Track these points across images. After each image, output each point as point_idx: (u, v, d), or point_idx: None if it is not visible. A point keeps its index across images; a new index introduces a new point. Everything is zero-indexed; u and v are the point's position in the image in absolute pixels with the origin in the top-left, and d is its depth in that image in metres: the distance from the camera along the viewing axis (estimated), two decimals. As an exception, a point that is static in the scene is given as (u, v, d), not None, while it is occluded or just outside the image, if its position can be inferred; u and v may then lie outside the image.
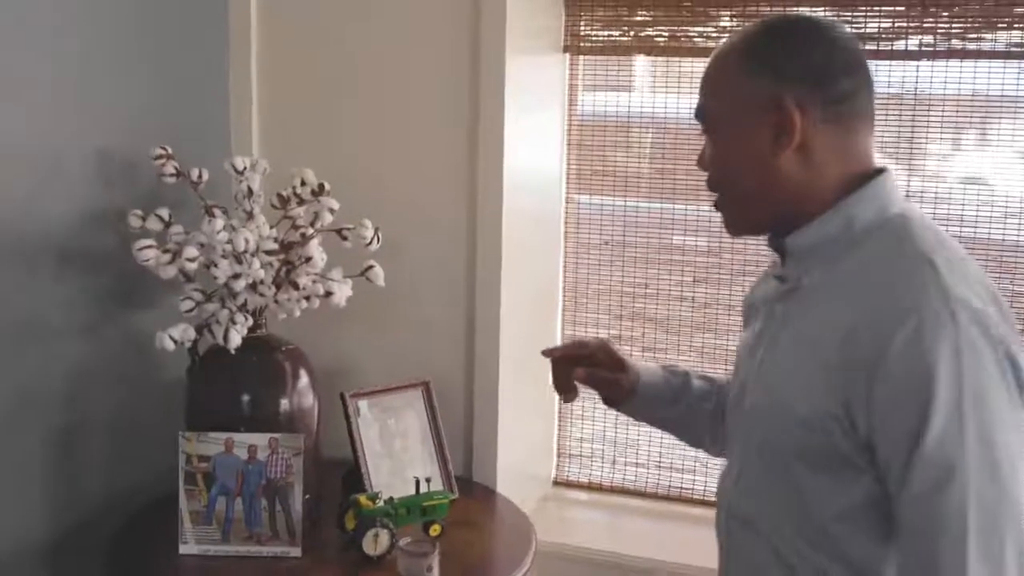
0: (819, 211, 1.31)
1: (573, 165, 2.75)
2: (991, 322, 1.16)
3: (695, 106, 1.41)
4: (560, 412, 2.87)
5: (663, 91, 2.68)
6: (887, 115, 2.46)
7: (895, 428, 1.16)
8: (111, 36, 2.23)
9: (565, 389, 1.67)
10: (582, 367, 1.62)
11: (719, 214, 1.44)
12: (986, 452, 1.13)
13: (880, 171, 1.33)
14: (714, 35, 2.54)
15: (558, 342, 2.80)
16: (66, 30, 2.12)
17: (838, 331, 1.22)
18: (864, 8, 2.42)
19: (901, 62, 2.45)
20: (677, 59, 2.63)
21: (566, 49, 2.67)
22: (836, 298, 1.26)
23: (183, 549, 2.08)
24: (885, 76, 2.47)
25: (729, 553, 1.43)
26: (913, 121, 2.46)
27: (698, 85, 1.42)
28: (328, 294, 2.16)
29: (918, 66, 2.44)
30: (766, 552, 1.34)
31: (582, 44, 2.66)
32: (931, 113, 2.44)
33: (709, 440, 1.67)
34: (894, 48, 2.44)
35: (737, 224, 1.42)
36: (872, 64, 2.29)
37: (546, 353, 1.69)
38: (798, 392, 1.27)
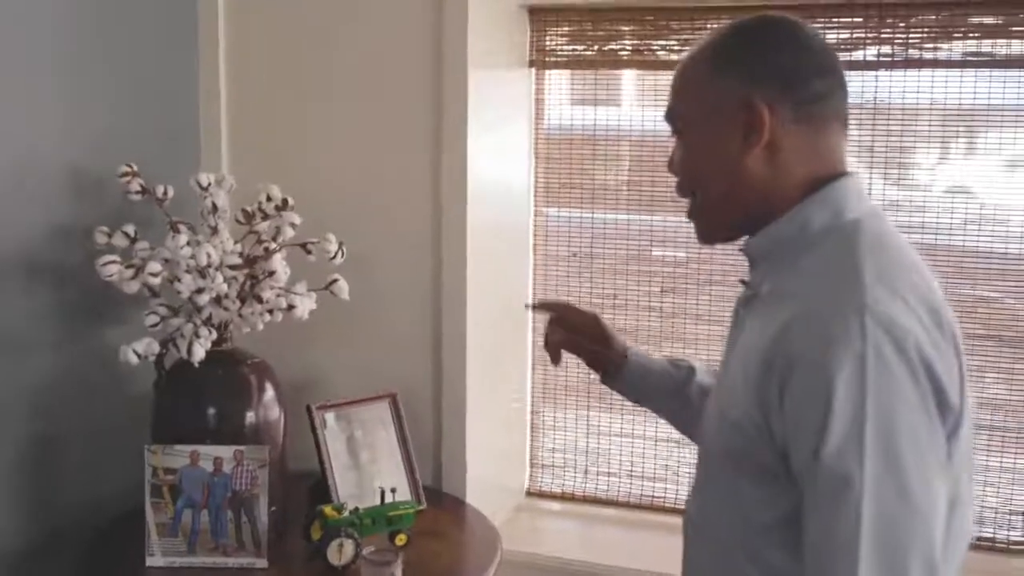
0: (783, 213, 1.30)
1: (541, 178, 2.78)
2: (911, 339, 1.13)
3: (665, 108, 1.40)
4: (532, 423, 2.89)
5: (629, 104, 2.72)
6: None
7: (801, 438, 1.15)
8: (79, 52, 2.26)
9: (553, 351, 1.71)
10: (568, 334, 1.68)
11: (690, 225, 1.42)
12: (890, 467, 1.11)
13: (841, 175, 1.31)
14: (676, 48, 2.57)
15: (529, 353, 2.83)
16: (33, 46, 2.15)
17: (767, 338, 1.21)
18: (822, 19, 2.46)
19: (859, 72, 2.48)
20: (642, 72, 2.68)
21: (532, 64, 2.70)
22: (776, 305, 1.25)
23: (150, 561, 2.10)
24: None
25: (686, 557, 1.43)
26: (873, 130, 2.49)
27: (664, 98, 1.42)
28: (291, 307, 2.18)
29: (876, 76, 2.47)
30: (710, 558, 1.35)
31: (548, 59, 2.69)
32: (890, 122, 2.47)
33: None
34: (852, 58, 2.47)
35: (709, 230, 1.41)
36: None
37: (530, 306, 1.82)
38: (734, 398, 1.27)
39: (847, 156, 1.34)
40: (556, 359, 1.71)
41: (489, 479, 2.65)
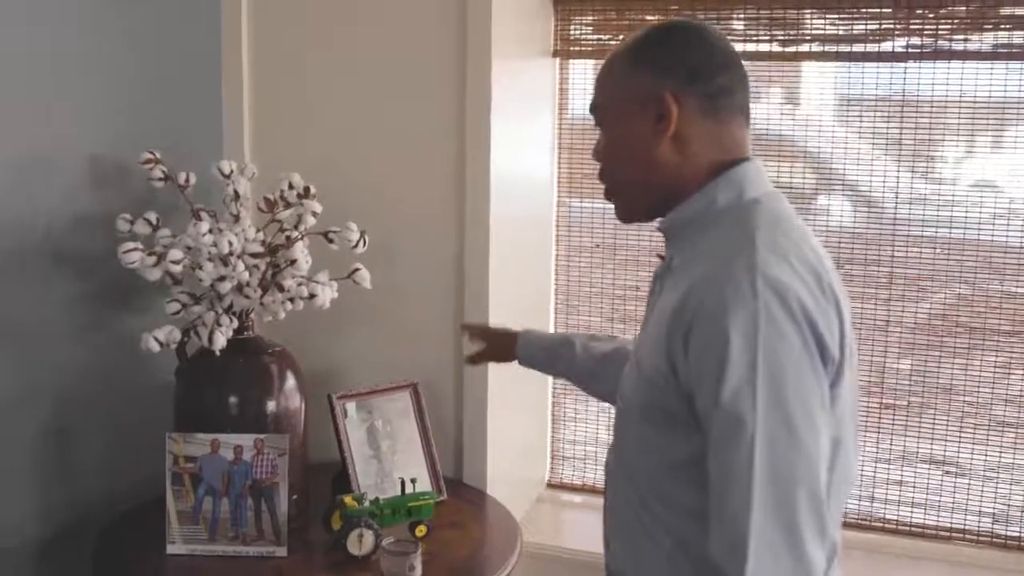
0: (689, 195, 1.43)
1: (564, 168, 2.76)
2: (793, 298, 1.26)
3: (590, 103, 1.53)
4: (553, 415, 2.88)
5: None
6: (875, 117, 2.47)
7: (702, 384, 1.28)
8: (102, 40, 2.26)
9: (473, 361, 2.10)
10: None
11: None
12: (779, 410, 1.24)
13: (743, 160, 1.44)
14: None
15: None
16: (56, 34, 2.15)
17: (675, 300, 1.34)
18: (851, 10, 2.43)
19: (888, 64, 2.45)
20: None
21: (556, 53, 2.68)
22: (685, 274, 1.38)
23: (170, 549, 2.10)
24: (872, 78, 2.48)
25: (606, 503, 1.56)
26: (901, 123, 2.46)
27: None
28: (312, 296, 2.18)
29: (905, 67, 2.44)
30: (625, 501, 1.48)
31: (572, 48, 2.67)
32: (919, 115, 2.44)
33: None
34: (880, 50, 2.44)
35: (625, 210, 1.54)
36: (860, 66, 2.32)
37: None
38: (646, 355, 1.40)
39: (749, 145, 1.47)
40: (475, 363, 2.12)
41: (510, 470, 2.64)
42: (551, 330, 2.81)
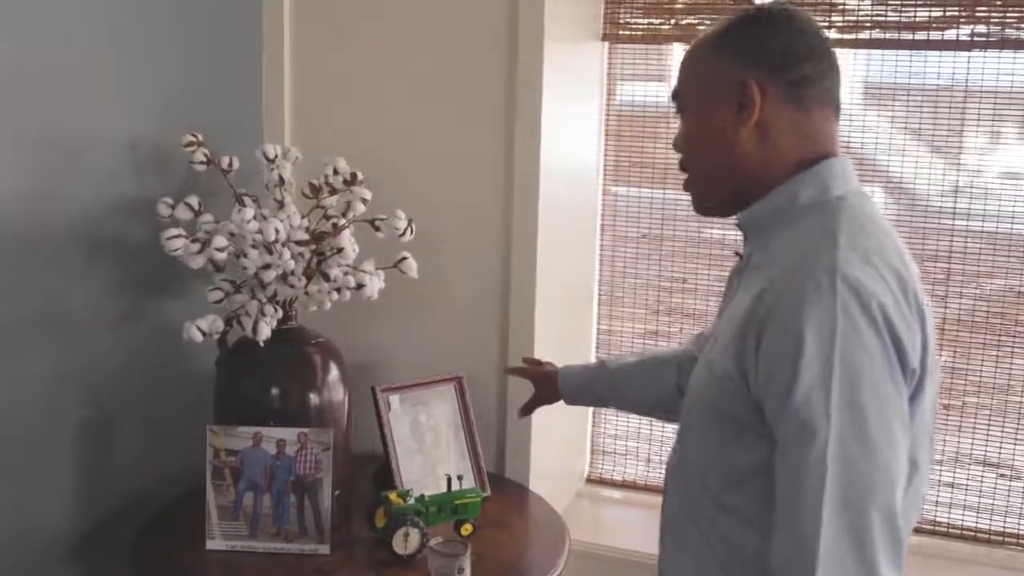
0: (771, 189, 1.38)
1: (611, 156, 2.69)
2: (875, 301, 1.20)
3: (673, 89, 1.49)
4: (594, 409, 2.81)
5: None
6: (936, 108, 2.39)
7: (773, 386, 1.22)
8: (141, 22, 2.19)
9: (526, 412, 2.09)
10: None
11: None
12: (855, 417, 1.18)
13: (830, 156, 1.39)
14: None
15: (594, 337, 2.75)
16: (96, 16, 2.08)
17: (750, 299, 1.29)
18: (913, -4, 2.35)
19: (951, 52, 2.37)
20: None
21: (605, 37, 2.60)
22: (761, 271, 1.34)
23: (210, 544, 2.05)
24: (935, 68, 2.40)
25: (664, 501, 1.51)
26: (963, 114, 2.38)
27: None
28: (360, 286, 2.11)
29: (969, 56, 2.36)
30: (680, 501, 1.44)
31: (621, 32, 2.59)
32: (981, 105, 2.36)
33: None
34: (944, 38, 2.36)
35: (703, 202, 1.49)
36: (922, 55, 2.23)
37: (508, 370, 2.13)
38: (719, 356, 1.34)
39: (837, 140, 1.41)
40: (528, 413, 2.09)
41: (550, 466, 2.58)
42: (594, 321, 2.74)
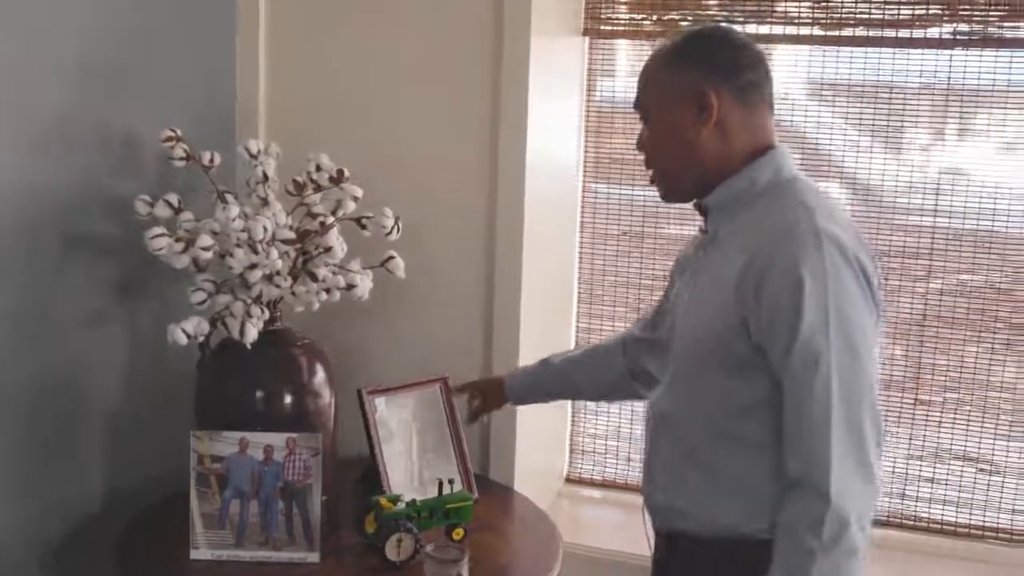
0: (730, 176, 1.64)
1: (591, 152, 2.66)
2: (847, 247, 1.52)
3: (634, 99, 1.73)
4: (573, 408, 2.78)
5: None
6: (919, 106, 2.39)
7: (778, 328, 1.50)
8: (109, 11, 2.10)
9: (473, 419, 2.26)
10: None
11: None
12: (846, 339, 1.49)
13: (775, 146, 1.66)
14: (740, 19, 2.46)
15: (573, 336, 2.72)
16: (65, 7, 2.00)
17: (738, 261, 1.56)
18: (897, -6, 2.34)
19: (933, 51, 2.37)
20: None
21: (586, 32, 2.57)
22: (738, 240, 1.61)
23: (194, 554, 1.98)
24: (917, 66, 2.40)
25: (652, 446, 1.75)
26: (945, 112, 2.39)
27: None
28: (350, 287, 2.05)
29: (952, 55, 2.36)
30: (679, 444, 1.68)
31: (602, 27, 2.56)
32: (963, 104, 2.37)
33: (639, 385, 2.01)
34: (927, 35, 2.36)
35: (672, 193, 1.75)
36: (904, 53, 2.22)
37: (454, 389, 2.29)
38: (711, 312, 1.61)
39: (774, 131, 1.68)
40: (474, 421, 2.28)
41: (532, 465, 2.54)
42: (573, 320, 2.71)
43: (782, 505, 1.53)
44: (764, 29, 2.45)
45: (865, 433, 1.50)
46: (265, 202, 2.07)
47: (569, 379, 2.11)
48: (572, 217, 2.67)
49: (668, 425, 1.71)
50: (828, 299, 1.48)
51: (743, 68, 1.64)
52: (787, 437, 1.53)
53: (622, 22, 2.55)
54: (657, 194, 1.76)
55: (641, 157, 1.75)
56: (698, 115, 1.62)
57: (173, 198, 2.04)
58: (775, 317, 1.51)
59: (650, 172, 1.75)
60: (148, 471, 2.21)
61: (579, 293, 2.72)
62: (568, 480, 2.82)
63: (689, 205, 1.75)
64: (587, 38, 2.59)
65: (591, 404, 2.76)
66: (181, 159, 2.06)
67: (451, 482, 2.12)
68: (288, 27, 2.45)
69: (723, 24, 1.79)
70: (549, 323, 2.59)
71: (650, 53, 1.73)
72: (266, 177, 2.07)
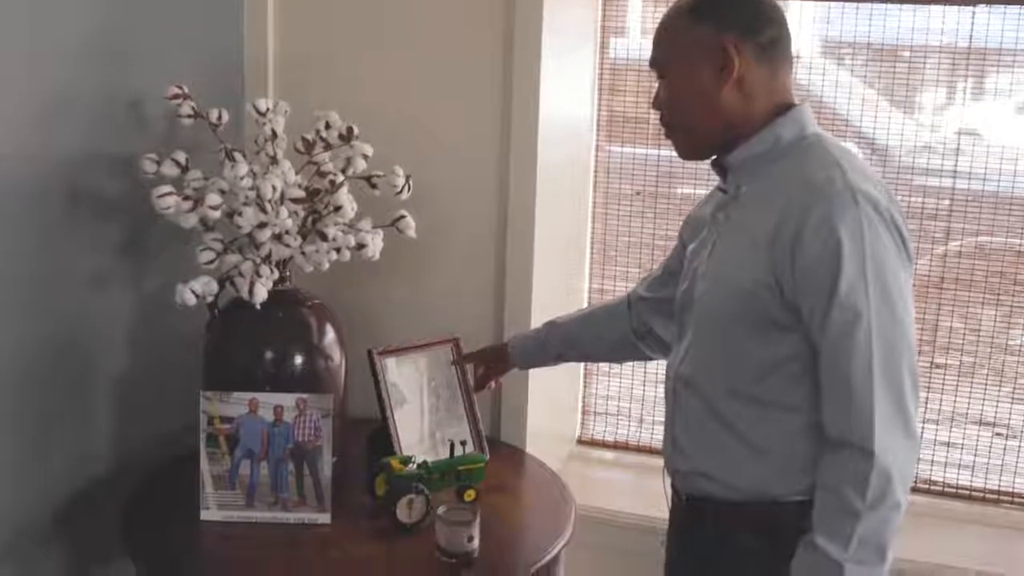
0: (751, 134, 1.62)
1: (604, 112, 2.62)
2: (881, 204, 1.51)
3: (650, 57, 1.69)
4: (586, 369, 2.76)
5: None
6: (939, 66, 2.35)
7: (815, 286, 1.49)
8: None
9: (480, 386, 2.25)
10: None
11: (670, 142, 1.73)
12: (885, 296, 1.48)
13: (797, 104, 1.65)
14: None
15: (586, 296, 2.69)
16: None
17: (771, 219, 1.54)
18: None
19: (955, 7, 2.32)
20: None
21: (599, -11, 2.53)
22: (767, 197, 1.58)
23: (204, 515, 1.97)
24: (939, 24, 2.35)
25: (674, 411, 1.73)
26: (967, 71, 2.34)
27: None
28: (361, 246, 2.03)
29: (974, 12, 2.31)
30: (703, 405, 1.66)
31: (617, -17, 2.52)
32: (985, 63, 2.32)
33: (644, 346, 2.02)
34: (951, -8, 2.31)
35: (690, 149, 1.72)
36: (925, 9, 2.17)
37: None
38: (739, 270, 1.59)
39: (793, 88, 1.67)
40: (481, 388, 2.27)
41: (544, 427, 2.52)
42: (586, 280, 2.69)
43: (823, 465, 1.53)
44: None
45: (905, 390, 1.49)
46: (274, 160, 2.04)
47: (574, 340, 2.10)
48: (585, 177, 2.63)
49: (692, 389, 1.68)
50: (866, 257, 1.47)
51: (764, 25, 1.61)
52: (826, 397, 1.52)
53: (637, -22, 2.50)
54: (674, 153, 1.72)
55: (656, 116, 1.71)
56: (719, 72, 1.59)
57: (180, 156, 2.02)
58: (813, 276, 1.49)
59: (666, 130, 1.71)
60: (157, 432, 2.20)
61: (592, 253, 2.69)
62: (580, 442, 2.80)
63: (702, 165, 1.76)
64: (601, -5, 2.55)
65: (603, 366, 2.73)
66: (188, 116, 2.03)
67: (463, 443, 2.10)
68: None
69: None
70: (562, 283, 2.56)
71: (667, 8, 1.69)
72: (275, 135, 2.05)
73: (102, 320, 2.12)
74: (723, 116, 1.62)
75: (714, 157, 1.69)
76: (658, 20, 1.69)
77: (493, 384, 2.25)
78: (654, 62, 1.69)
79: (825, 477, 1.52)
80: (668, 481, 1.80)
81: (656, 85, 1.70)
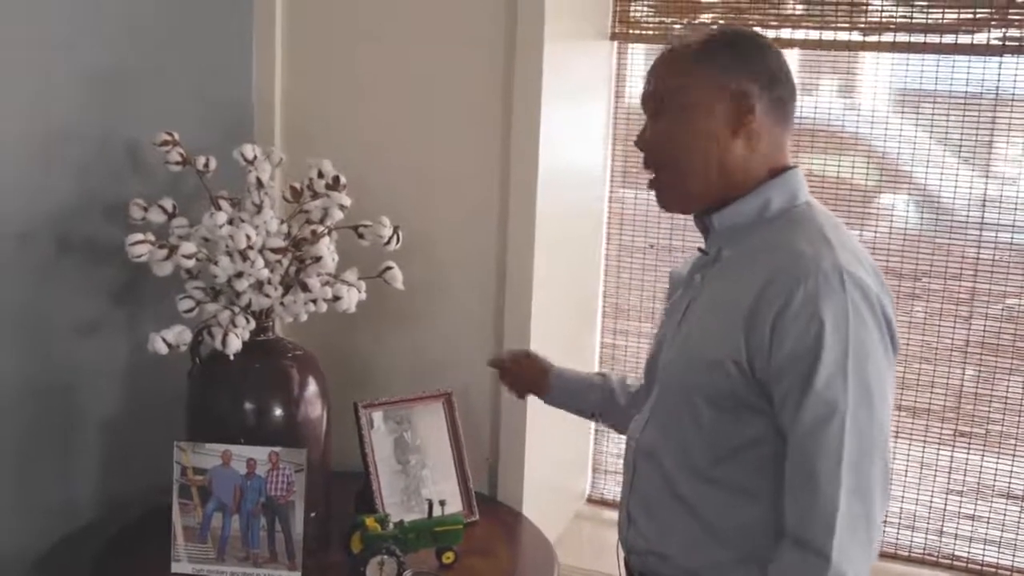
0: (741, 194, 1.51)
1: (619, 160, 2.55)
2: (871, 290, 1.41)
3: (647, 91, 1.56)
4: (596, 426, 2.68)
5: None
6: (964, 116, 2.23)
7: (791, 371, 1.39)
8: (126, 13, 2.08)
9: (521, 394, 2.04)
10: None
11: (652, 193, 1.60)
12: (863, 391, 1.39)
13: (792, 167, 1.54)
14: (775, 23, 2.33)
15: (597, 352, 2.62)
16: (81, 7, 1.98)
17: (750, 292, 1.43)
18: (941, -3, 2.19)
19: (981, 57, 2.21)
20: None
21: (614, 36, 2.47)
22: (748, 266, 1.48)
23: (175, 567, 1.94)
24: (963, 74, 2.24)
25: (632, 484, 1.63)
26: (993, 123, 2.22)
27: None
28: (336, 299, 1.99)
29: (1001, 62, 2.20)
30: (662, 481, 1.55)
31: (631, 31, 2.46)
32: (1012, 115, 2.20)
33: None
34: (974, 42, 2.20)
35: (676, 200, 1.59)
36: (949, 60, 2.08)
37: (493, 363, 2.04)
38: (710, 342, 1.48)
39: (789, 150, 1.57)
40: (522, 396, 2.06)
41: (548, 484, 2.45)
42: (597, 335, 2.61)
43: (777, 562, 1.43)
44: (799, 34, 2.33)
45: (873, 492, 1.40)
46: (259, 209, 2.01)
47: (621, 401, 1.89)
48: (598, 227, 2.57)
49: (652, 462, 1.58)
50: (849, 347, 1.37)
51: (781, 79, 1.52)
52: (789, 489, 1.42)
53: (650, 25, 2.44)
54: (655, 195, 1.57)
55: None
56: (735, 118, 1.48)
57: (168, 203, 2.00)
58: (790, 361, 1.39)
59: (654, 175, 1.57)
60: (140, 481, 2.18)
61: (604, 307, 2.62)
62: (590, 501, 2.71)
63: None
64: (615, 42, 2.48)
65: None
66: (177, 163, 2.02)
67: (443, 503, 2.04)
68: (304, 33, 2.40)
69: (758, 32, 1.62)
70: (570, 337, 2.49)
71: (671, 45, 1.56)
72: (260, 183, 2.02)
73: (90, 366, 2.10)
74: (725, 167, 1.50)
75: (698, 212, 1.56)
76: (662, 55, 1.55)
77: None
78: (654, 95, 1.55)
79: (777, 570, 1.43)
80: (621, 556, 1.70)
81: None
